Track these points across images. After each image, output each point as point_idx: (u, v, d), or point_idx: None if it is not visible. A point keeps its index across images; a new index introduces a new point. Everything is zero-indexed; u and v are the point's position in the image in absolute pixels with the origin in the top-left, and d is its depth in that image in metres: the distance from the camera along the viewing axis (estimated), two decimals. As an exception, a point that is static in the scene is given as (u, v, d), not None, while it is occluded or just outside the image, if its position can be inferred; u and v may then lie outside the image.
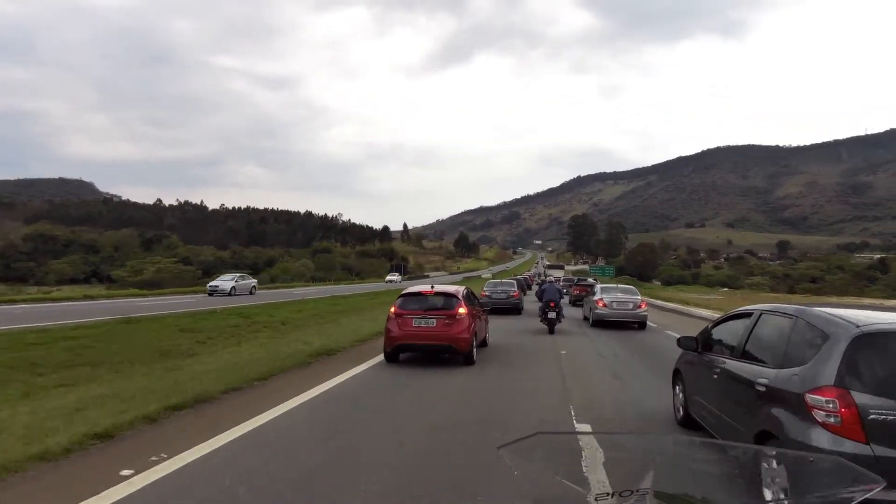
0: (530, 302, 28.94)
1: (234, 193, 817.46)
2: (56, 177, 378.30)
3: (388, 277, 69.90)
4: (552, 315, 17.16)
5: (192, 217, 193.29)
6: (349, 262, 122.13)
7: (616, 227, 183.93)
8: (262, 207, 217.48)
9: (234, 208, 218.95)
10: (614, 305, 19.01)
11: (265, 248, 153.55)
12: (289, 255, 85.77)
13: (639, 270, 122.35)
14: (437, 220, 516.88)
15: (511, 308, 25.96)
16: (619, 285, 21.71)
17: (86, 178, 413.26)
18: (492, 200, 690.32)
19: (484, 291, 26.74)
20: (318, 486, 4.54)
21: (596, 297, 19.77)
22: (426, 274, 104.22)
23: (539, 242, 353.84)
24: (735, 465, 1.74)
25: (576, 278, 41.89)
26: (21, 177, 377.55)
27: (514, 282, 28.46)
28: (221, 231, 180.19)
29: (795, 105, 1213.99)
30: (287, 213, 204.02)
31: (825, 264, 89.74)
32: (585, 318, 22.13)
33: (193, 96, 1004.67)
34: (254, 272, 70.71)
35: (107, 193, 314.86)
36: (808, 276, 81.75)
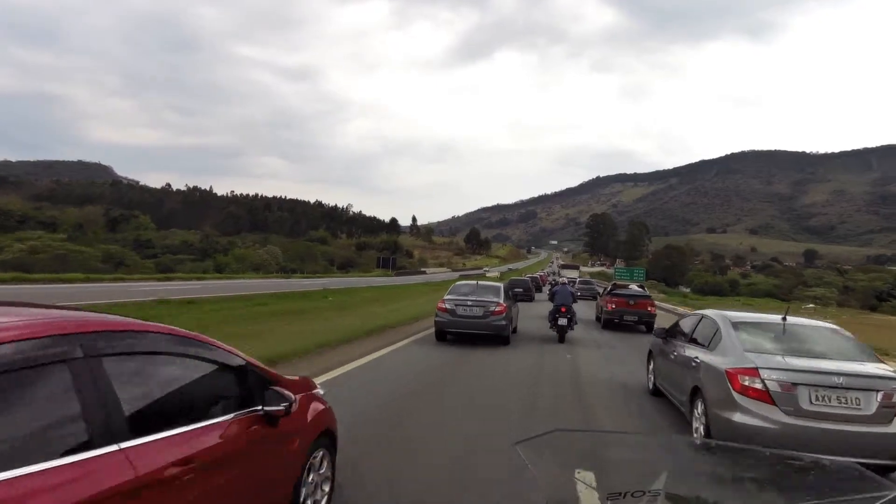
0: (539, 306, 23.13)
1: (254, 184, 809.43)
2: (76, 160, 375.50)
3: None
4: (563, 321, 14.78)
5: (193, 201, 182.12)
6: (348, 253, 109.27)
7: (639, 228, 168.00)
8: (270, 196, 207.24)
9: (239, 195, 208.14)
10: (833, 401, 4.98)
11: (267, 235, 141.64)
12: (266, 241, 73.00)
13: (664, 275, 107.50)
14: (453, 217, 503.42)
15: (490, 335, 13.58)
16: (809, 322, 6.58)
17: (105, 163, 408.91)
18: (508, 198, 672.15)
19: (443, 303, 13.78)
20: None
21: (727, 366, 5.52)
22: (422, 270, 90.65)
23: (555, 242, 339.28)
24: (747, 468, 1.71)
25: (609, 284, 25.27)
26: (42, 158, 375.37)
27: (500, 288, 14.88)
28: (222, 217, 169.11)
29: (824, 111, 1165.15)
30: (291, 201, 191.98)
31: (892, 277, 74.92)
32: (658, 393, 8.28)
33: (217, 85, 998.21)
34: (201, 258, 57.81)
35: (124, 178, 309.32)
36: (873, 289, 66.93)
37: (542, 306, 25.50)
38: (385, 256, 63.60)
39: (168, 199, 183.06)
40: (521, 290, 32.88)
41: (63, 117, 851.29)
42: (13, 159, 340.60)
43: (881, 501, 1.33)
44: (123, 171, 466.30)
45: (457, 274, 78.27)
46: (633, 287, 21.89)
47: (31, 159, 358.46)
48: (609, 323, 19.88)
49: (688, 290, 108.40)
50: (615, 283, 22.32)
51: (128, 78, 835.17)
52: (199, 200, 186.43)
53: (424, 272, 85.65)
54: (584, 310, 26.39)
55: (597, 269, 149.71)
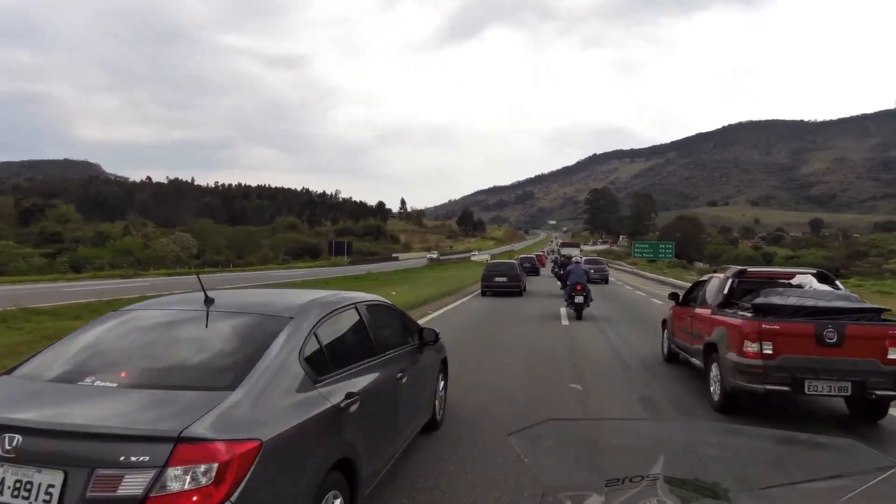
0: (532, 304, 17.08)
1: (248, 176, 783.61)
2: (62, 158, 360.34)
3: None
4: (579, 299, 14.24)
5: (166, 193, 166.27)
6: (319, 241, 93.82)
7: (645, 200, 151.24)
8: (255, 185, 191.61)
9: (222, 185, 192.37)
10: None
11: (245, 225, 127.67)
12: (200, 229, 57.68)
13: (677, 251, 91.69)
14: (450, 201, 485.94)
15: None
16: None
17: (92, 160, 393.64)
18: (505, 180, 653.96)
19: None
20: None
21: None
22: (394, 256, 74.85)
23: (553, 222, 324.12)
24: (748, 449, 1.69)
25: (726, 271, 7.86)
26: (27, 158, 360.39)
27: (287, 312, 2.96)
28: (196, 208, 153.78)
29: (820, 78, 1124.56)
30: (273, 189, 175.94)
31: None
32: None
33: (204, 77, 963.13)
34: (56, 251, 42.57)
35: (113, 175, 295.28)
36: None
37: (536, 306, 17.21)
38: (337, 241, 48.64)
39: (139, 191, 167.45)
40: (504, 278, 21.55)
41: (47, 116, 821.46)
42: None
43: (880, 476, 1.29)
44: (112, 168, 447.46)
45: (440, 258, 63.09)
46: (811, 281, 6.33)
47: (16, 160, 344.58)
48: (742, 398, 5.71)
49: (706, 265, 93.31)
50: (745, 272, 6.93)
51: (112, 73, 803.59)
52: (173, 192, 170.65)
53: (397, 258, 70.18)
54: (598, 301, 16.94)
55: (600, 246, 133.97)
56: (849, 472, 1.39)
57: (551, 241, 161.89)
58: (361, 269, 40.33)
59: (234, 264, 46.06)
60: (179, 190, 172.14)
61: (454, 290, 22.78)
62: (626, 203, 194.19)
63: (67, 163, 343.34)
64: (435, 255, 65.72)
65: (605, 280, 32.21)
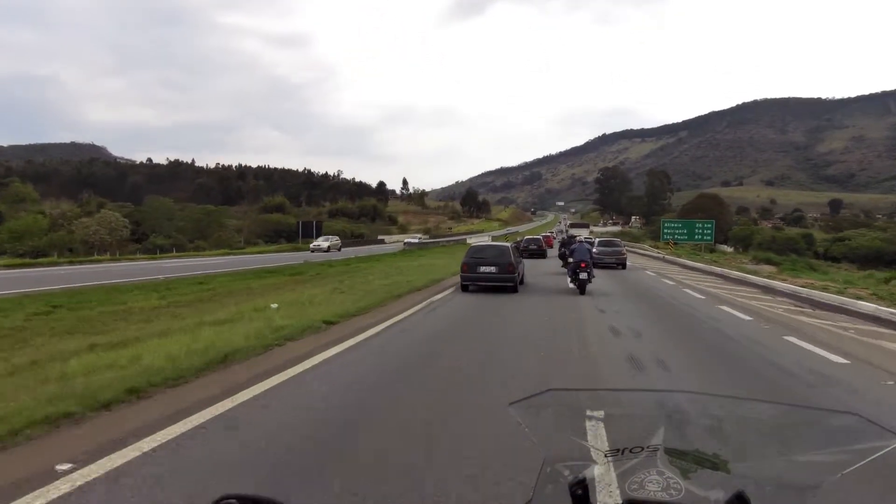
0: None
1: (253, 157, 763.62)
2: (69, 142, 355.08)
3: None
4: (583, 276, 15.44)
5: (161, 174, 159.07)
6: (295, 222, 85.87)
7: (659, 178, 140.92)
8: (256, 166, 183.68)
9: (218, 166, 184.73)
10: None
11: (235, 206, 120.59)
12: (160, 206, 49.77)
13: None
14: (457, 182, 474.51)
15: None
16: None
17: (98, 143, 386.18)
18: (512, 161, 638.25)
19: None
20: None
21: None
22: (380, 239, 66.29)
23: (561, 203, 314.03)
24: (749, 421, 1.66)
25: None
26: (34, 142, 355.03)
27: None
28: (191, 189, 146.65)
29: (838, 55, 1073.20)
30: (267, 169, 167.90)
31: None
32: None
33: (208, 58, 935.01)
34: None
35: (120, 158, 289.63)
36: None
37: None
38: (306, 220, 40.64)
39: (132, 172, 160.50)
40: (492, 268, 16.33)
41: (54, 98, 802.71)
42: (5, 144, 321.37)
43: (883, 451, 1.29)
44: (119, 151, 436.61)
45: (435, 241, 54.61)
46: None
47: (24, 143, 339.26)
48: None
49: (731, 248, 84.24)
50: None
51: (116, 54, 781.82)
52: (169, 173, 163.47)
53: (383, 241, 62.14)
54: (606, 281, 17.53)
55: (611, 227, 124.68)
56: (849, 446, 1.37)
57: (559, 223, 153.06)
58: (319, 256, 32.09)
59: (180, 249, 38.05)
60: (176, 171, 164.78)
61: (402, 294, 14.43)
62: (637, 183, 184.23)
63: (74, 146, 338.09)
64: (325, 245, 44.51)
65: (622, 265, 28.20)
